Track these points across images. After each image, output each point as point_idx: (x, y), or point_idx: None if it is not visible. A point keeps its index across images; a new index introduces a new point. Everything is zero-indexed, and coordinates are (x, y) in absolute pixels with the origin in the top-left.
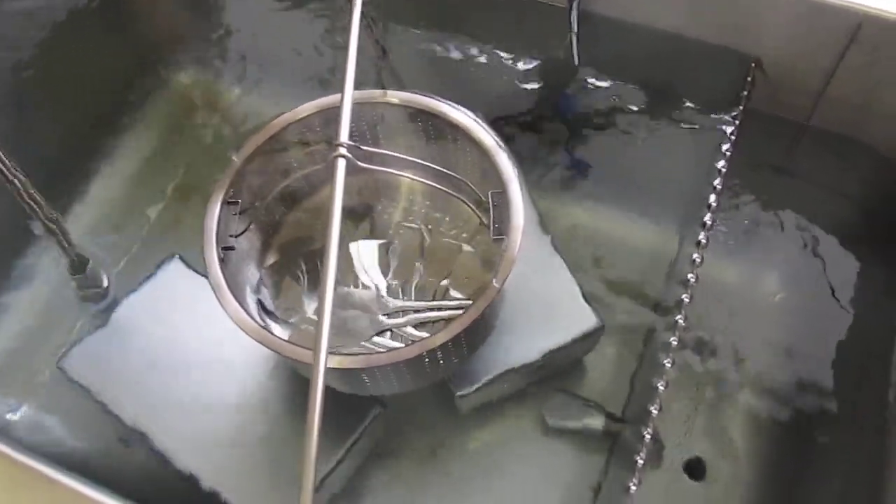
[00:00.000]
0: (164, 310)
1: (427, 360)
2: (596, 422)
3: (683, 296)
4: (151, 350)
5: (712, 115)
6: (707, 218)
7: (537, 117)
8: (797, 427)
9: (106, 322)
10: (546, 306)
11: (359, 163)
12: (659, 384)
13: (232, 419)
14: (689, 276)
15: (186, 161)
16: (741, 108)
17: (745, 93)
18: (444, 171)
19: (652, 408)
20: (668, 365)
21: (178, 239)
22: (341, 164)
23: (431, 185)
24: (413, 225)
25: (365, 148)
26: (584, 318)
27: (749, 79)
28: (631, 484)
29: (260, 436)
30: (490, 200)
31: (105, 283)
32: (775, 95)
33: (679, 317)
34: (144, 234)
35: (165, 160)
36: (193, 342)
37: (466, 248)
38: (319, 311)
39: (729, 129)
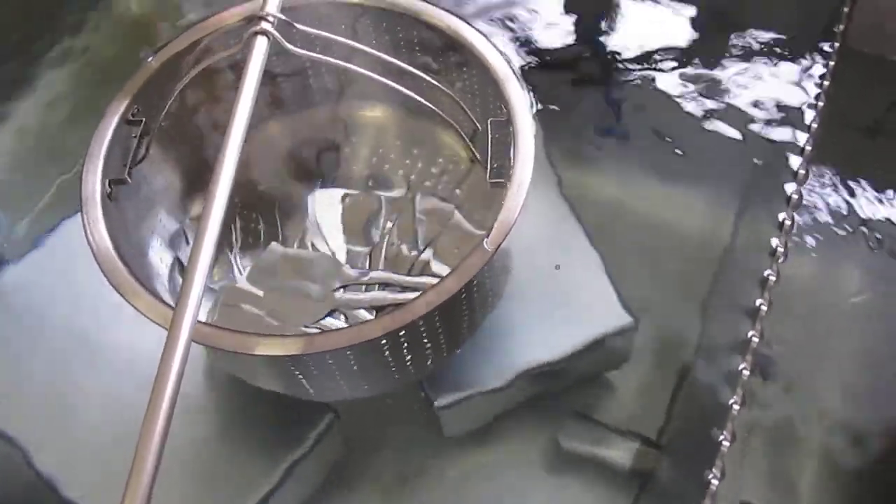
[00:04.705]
0: (65, 279)
1: (387, 349)
2: (624, 453)
3: (759, 302)
4: (44, 329)
5: (793, 53)
6: (792, 192)
7: (564, 57)
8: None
9: None
10: (562, 294)
11: (288, 44)
12: (721, 438)
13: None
14: (768, 273)
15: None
16: (837, 36)
17: (846, 11)
18: (429, 78)
19: (710, 473)
20: (737, 407)
21: None
22: (261, 44)
23: (409, 98)
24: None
25: (302, 27)
26: (612, 313)
27: None
28: None
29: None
30: (489, 131)
31: None
32: (881, 26)
33: (753, 332)
34: (64, 181)
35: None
36: (98, 321)
37: (457, 213)
38: (191, 261)
39: (819, 72)
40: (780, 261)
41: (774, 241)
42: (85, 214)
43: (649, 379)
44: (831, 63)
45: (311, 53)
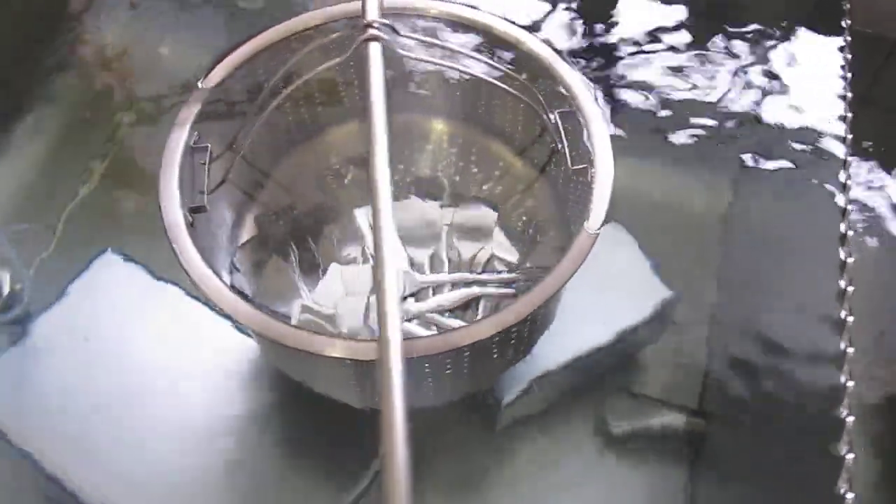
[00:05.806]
0: (96, 319)
1: (495, 345)
2: (676, 420)
3: (843, 255)
4: (83, 374)
5: (790, 36)
6: (846, 154)
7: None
8: None
9: (20, 339)
10: (606, 276)
11: (399, 49)
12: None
13: (194, 464)
14: (841, 227)
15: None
16: (846, 13)
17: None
18: (508, 70)
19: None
20: (850, 350)
21: (114, 228)
22: (375, 49)
23: (492, 84)
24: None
25: (405, 35)
26: (654, 289)
27: None
28: None
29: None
30: (558, 121)
31: (5, 288)
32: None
33: (844, 282)
34: (67, 223)
35: (91, 133)
36: (139, 359)
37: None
38: (377, 258)
39: (839, 51)
40: (850, 217)
41: (842, 200)
42: (175, 245)
43: (683, 348)
44: (848, 38)
45: (419, 56)
